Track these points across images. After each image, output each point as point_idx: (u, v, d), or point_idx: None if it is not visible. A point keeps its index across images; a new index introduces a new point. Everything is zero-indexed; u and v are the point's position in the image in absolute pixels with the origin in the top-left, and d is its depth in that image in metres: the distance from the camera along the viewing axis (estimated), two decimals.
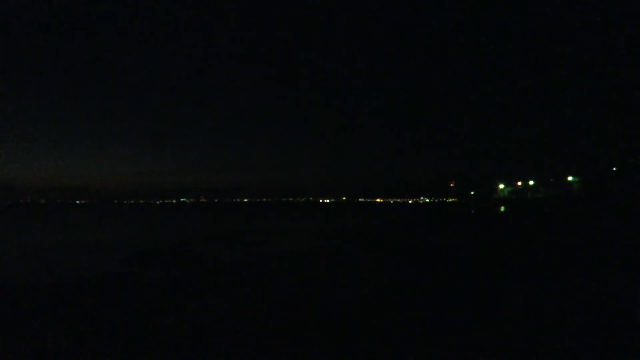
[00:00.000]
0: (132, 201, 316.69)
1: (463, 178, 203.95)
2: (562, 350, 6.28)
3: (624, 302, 8.89)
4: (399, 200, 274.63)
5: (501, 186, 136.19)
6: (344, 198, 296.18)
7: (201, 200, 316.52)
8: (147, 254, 20.09)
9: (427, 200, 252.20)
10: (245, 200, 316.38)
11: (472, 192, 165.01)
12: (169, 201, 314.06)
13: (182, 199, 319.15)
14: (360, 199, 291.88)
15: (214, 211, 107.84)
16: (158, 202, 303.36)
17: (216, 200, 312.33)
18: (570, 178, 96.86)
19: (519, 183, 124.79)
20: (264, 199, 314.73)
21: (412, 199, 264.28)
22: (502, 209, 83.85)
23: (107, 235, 32.77)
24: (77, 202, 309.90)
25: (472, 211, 76.48)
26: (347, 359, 6.23)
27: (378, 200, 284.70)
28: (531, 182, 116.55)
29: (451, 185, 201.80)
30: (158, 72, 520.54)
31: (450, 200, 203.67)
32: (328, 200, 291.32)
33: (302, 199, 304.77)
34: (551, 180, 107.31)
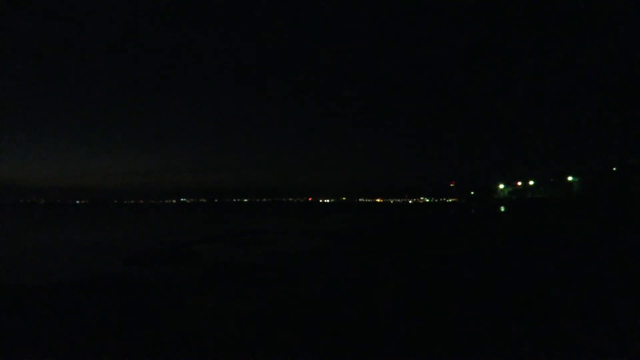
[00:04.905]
0: (132, 201, 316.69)
1: (463, 178, 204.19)
2: (562, 351, 6.28)
3: (623, 302, 8.88)
4: (399, 200, 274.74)
5: (501, 186, 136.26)
6: (344, 198, 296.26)
7: (201, 200, 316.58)
8: (147, 254, 20.08)
9: (427, 200, 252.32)
10: (245, 200, 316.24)
11: (472, 192, 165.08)
12: (169, 201, 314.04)
13: (182, 199, 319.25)
14: (360, 199, 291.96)
15: (214, 211, 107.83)
16: (159, 202, 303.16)
17: (216, 200, 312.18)
18: (570, 178, 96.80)
19: (519, 183, 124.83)
20: (264, 199, 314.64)
21: (412, 199, 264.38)
22: (502, 209, 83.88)
23: (107, 235, 32.76)
24: (77, 202, 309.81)
25: (472, 211, 76.53)
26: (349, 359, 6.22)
27: (378, 200, 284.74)
28: (531, 182, 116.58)
29: (451, 185, 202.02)
30: (158, 72, 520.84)
31: (450, 200, 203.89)
32: (328, 200, 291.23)
33: (302, 199, 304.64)
34: (551, 180, 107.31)
